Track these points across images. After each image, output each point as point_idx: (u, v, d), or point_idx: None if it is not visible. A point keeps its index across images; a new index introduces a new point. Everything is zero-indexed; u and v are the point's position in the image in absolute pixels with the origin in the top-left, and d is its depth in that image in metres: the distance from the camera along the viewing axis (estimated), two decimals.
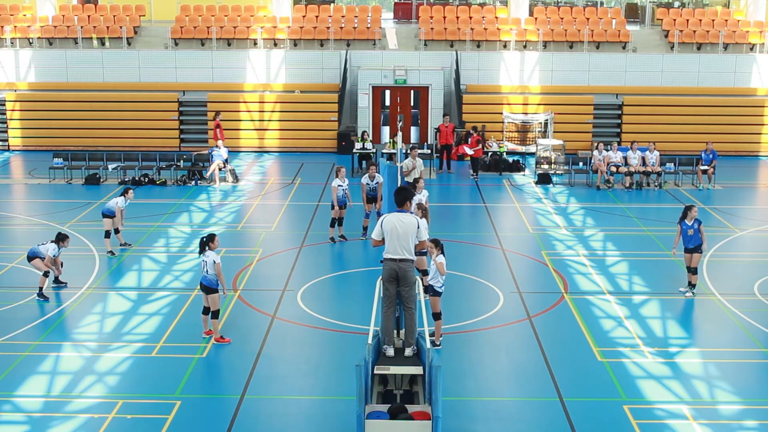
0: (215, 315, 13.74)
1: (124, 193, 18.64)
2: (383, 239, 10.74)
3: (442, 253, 13.43)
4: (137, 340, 13.84)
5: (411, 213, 11.02)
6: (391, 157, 25.66)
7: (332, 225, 19.42)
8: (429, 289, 13.55)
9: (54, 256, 15.83)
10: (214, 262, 13.49)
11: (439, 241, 13.50)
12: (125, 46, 32.38)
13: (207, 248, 13.61)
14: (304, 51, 32.04)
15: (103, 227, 18.51)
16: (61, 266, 16.24)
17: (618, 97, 31.23)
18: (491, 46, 32.41)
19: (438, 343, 13.48)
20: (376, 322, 10.71)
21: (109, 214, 18.34)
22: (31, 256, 15.76)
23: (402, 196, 10.90)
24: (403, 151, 25.09)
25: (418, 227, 10.72)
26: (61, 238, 16.03)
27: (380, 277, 10.82)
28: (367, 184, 19.31)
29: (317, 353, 13.56)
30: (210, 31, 32.21)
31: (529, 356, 13.38)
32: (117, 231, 18.64)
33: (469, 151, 26.73)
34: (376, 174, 19.22)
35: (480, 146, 26.78)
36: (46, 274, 15.67)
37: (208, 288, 13.60)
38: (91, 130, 30.66)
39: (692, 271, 16.03)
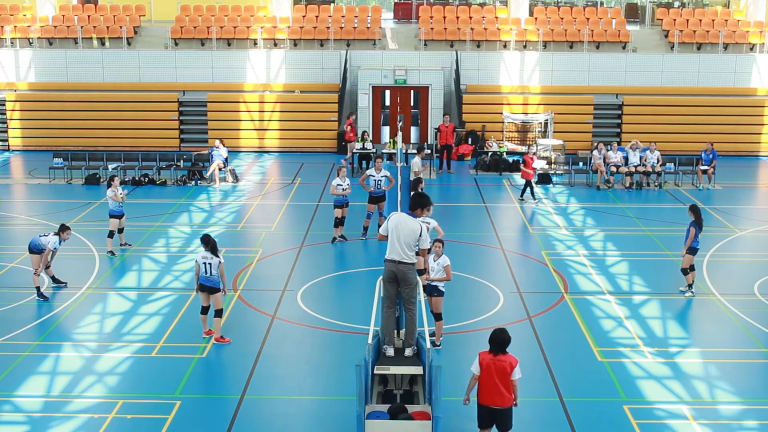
0: (219, 314, 13.73)
1: (110, 183, 18.54)
2: (387, 236, 10.72)
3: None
4: (137, 340, 13.83)
5: (423, 219, 10.88)
6: (391, 157, 25.65)
7: (336, 225, 19.41)
8: (432, 290, 13.50)
9: (54, 248, 15.76)
10: (220, 262, 13.49)
11: (441, 240, 13.51)
12: (125, 46, 32.36)
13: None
14: (304, 51, 32.03)
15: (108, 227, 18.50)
16: (52, 260, 16.04)
17: (618, 97, 31.21)
18: (491, 46, 32.40)
19: (438, 344, 13.47)
20: (376, 322, 10.71)
21: (115, 214, 18.38)
22: (34, 250, 15.63)
23: (415, 201, 10.83)
24: (404, 151, 25.10)
25: (421, 235, 10.59)
26: (62, 229, 15.91)
27: (380, 277, 10.80)
28: (372, 176, 19.32)
29: (317, 353, 13.56)
30: (210, 31, 32.20)
31: (529, 356, 13.34)
32: (121, 230, 18.68)
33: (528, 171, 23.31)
34: (383, 167, 19.34)
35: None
36: (37, 273, 15.65)
37: (213, 288, 13.58)
38: (91, 130, 30.63)
39: (682, 271, 16.04)
